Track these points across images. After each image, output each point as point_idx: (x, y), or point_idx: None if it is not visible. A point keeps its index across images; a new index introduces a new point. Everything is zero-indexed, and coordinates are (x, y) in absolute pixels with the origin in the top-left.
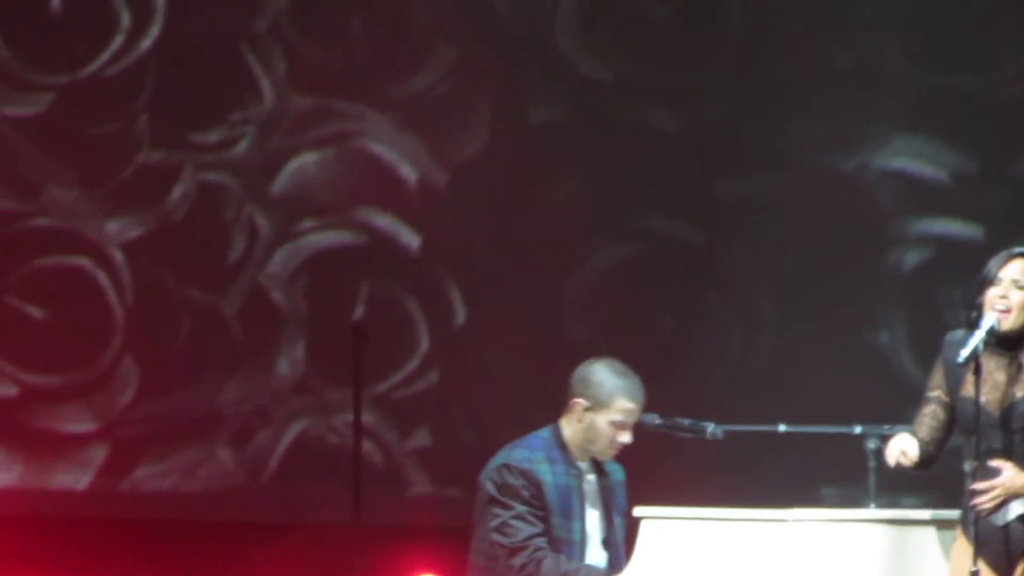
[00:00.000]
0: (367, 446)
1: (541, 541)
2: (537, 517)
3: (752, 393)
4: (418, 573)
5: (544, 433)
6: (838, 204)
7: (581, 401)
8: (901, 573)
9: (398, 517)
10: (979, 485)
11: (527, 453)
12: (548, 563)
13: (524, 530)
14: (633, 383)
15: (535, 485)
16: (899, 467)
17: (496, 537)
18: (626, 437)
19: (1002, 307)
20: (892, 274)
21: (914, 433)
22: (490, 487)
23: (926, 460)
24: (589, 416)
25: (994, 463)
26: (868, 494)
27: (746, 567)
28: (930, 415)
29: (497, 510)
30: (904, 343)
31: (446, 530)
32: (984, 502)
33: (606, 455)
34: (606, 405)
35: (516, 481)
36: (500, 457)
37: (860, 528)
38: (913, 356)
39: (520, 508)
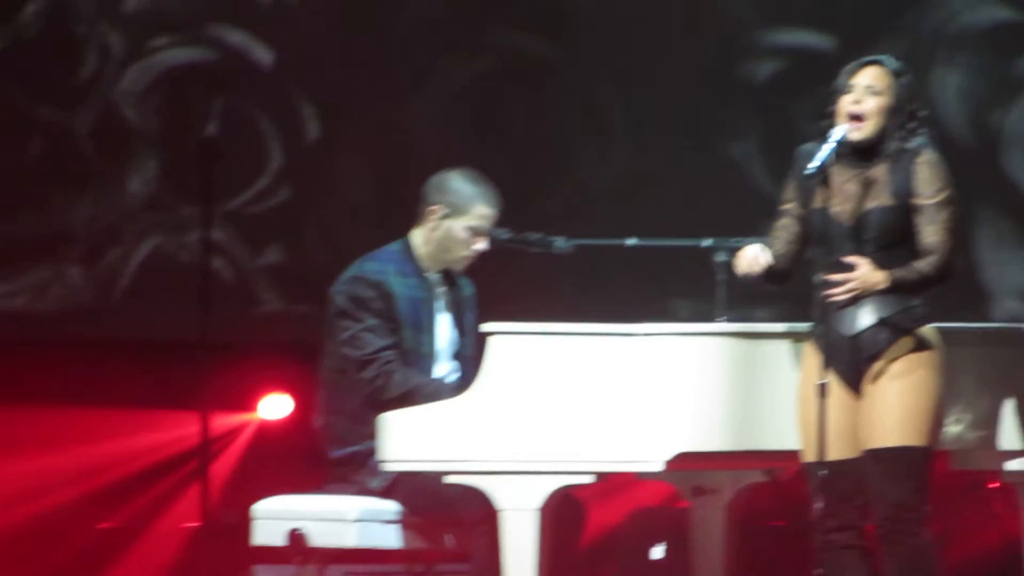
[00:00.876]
0: (218, 263)
1: (391, 354)
2: (388, 329)
3: (605, 207)
4: (268, 390)
5: (395, 246)
6: (689, 15)
7: (438, 208)
8: (752, 385)
9: (248, 334)
10: (834, 277)
11: (379, 265)
12: (398, 376)
13: (375, 342)
14: (489, 190)
15: (386, 297)
16: (749, 277)
17: (346, 350)
18: (482, 244)
19: (856, 112)
20: (745, 86)
21: (768, 246)
22: (341, 300)
23: (780, 273)
24: (446, 223)
25: (849, 259)
26: (718, 307)
27: (595, 382)
28: (783, 228)
29: (347, 323)
30: (757, 155)
31: (297, 347)
32: (838, 294)
33: (461, 263)
34: (464, 211)
35: (367, 293)
36: (352, 270)
37: (710, 341)
38: (766, 168)
39: (371, 321)
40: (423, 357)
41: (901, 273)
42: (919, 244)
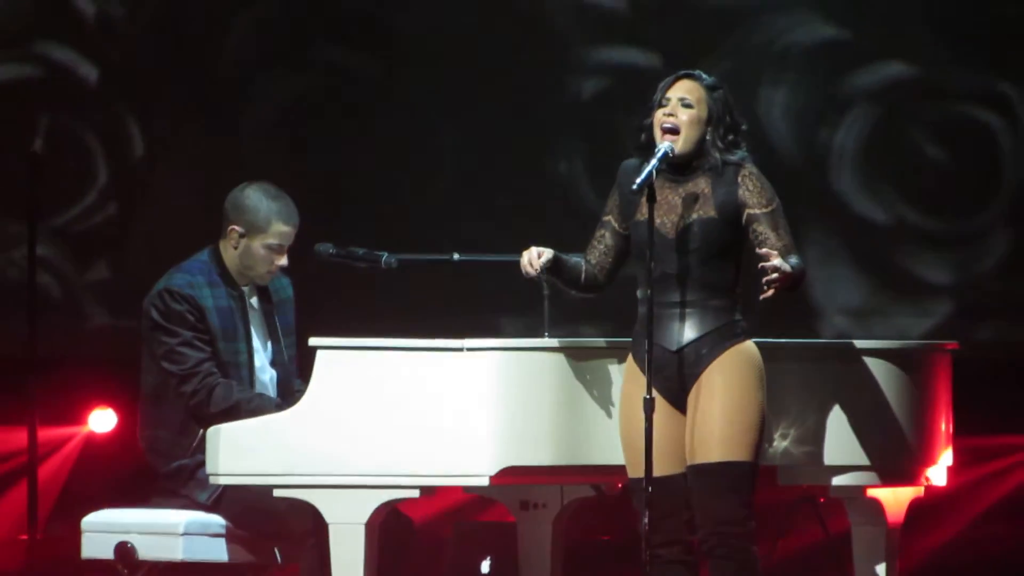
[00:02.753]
0: (45, 278)
1: (210, 366)
2: (203, 342)
3: (430, 222)
4: (96, 404)
5: (203, 256)
6: (517, 33)
7: (236, 228)
8: (577, 400)
9: (76, 349)
10: (773, 263)
11: (188, 278)
12: (219, 390)
13: (193, 356)
14: (287, 205)
15: (198, 310)
16: (531, 277)
17: (165, 365)
18: (283, 260)
19: (669, 125)
20: (571, 103)
21: (585, 258)
22: (154, 313)
23: (591, 284)
24: (245, 242)
25: (763, 251)
26: (544, 323)
27: (422, 396)
28: (599, 239)
29: (164, 337)
30: (582, 172)
31: (123, 362)
32: (775, 281)
33: (264, 280)
34: (262, 230)
35: (180, 307)
36: (161, 283)
37: (534, 356)
38: (591, 185)
39: (186, 334)
40: (239, 367)
41: (793, 264)
42: (769, 247)
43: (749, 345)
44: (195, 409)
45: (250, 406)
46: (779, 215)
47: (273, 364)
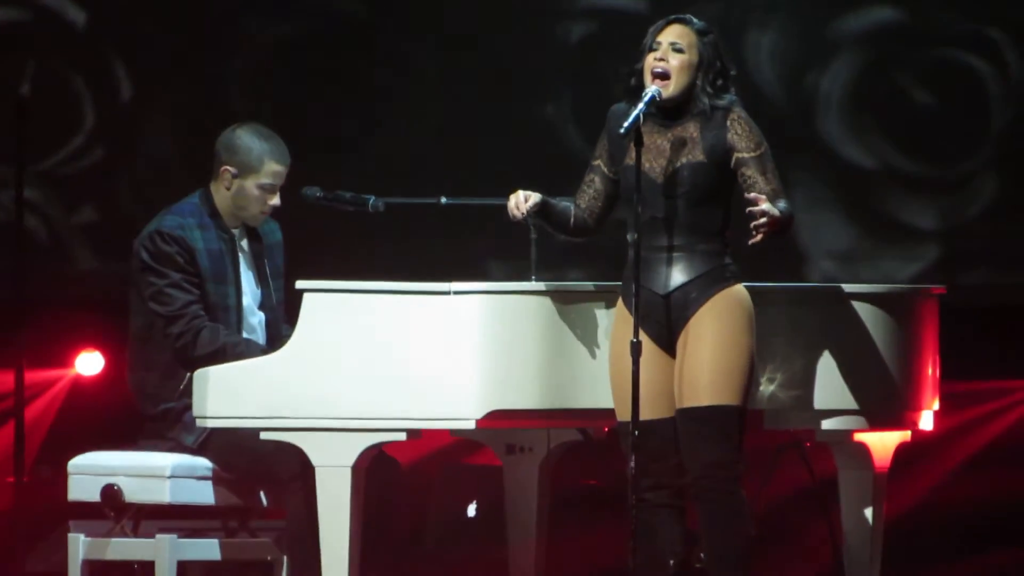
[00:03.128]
0: (32, 222)
1: (197, 308)
2: (192, 284)
3: (419, 165)
4: (84, 347)
5: (194, 199)
6: None
7: (229, 168)
8: (565, 344)
9: (64, 292)
10: (762, 207)
11: (179, 220)
12: (205, 333)
13: (180, 298)
14: (279, 145)
15: (188, 252)
16: (518, 220)
17: (153, 306)
18: (275, 200)
19: (660, 70)
20: (559, 47)
21: (575, 202)
22: (144, 255)
23: (581, 228)
24: (238, 182)
25: (752, 195)
26: (532, 267)
27: (408, 339)
28: (589, 183)
29: (152, 278)
30: (570, 116)
31: (111, 305)
32: (763, 224)
33: (256, 220)
34: (255, 170)
35: (169, 248)
36: (152, 224)
37: (521, 300)
38: (579, 129)
39: (175, 275)
40: (228, 310)
41: (781, 209)
42: (758, 191)
43: (739, 289)
44: (181, 352)
45: (236, 350)
46: (768, 159)
47: (261, 307)
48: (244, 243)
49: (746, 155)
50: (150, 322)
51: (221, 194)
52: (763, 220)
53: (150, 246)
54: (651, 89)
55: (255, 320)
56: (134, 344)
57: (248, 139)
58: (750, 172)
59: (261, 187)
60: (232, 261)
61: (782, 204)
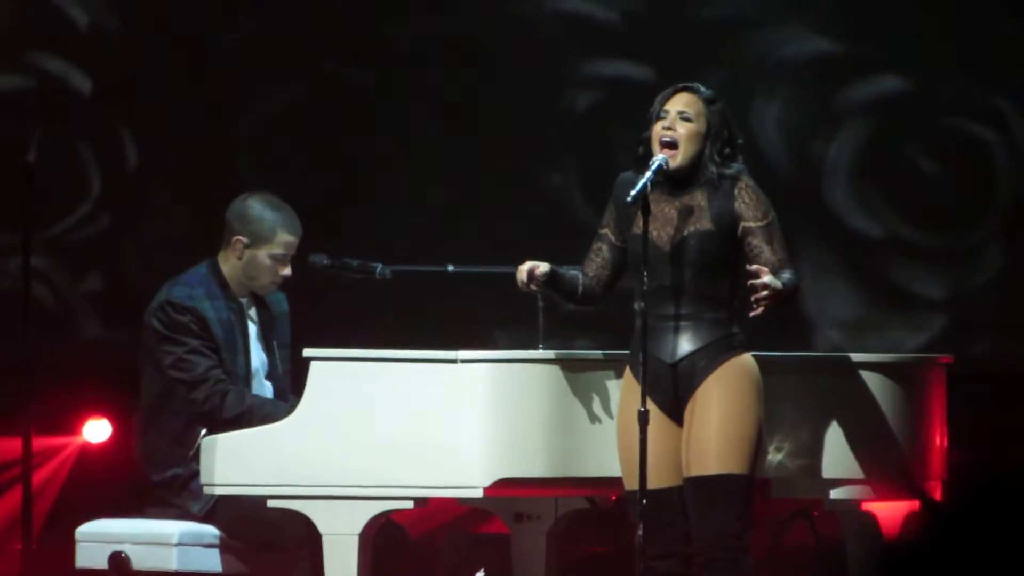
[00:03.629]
0: (39, 290)
1: (219, 372)
2: (210, 349)
3: (425, 234)
4: (90, 415)
5: (201, 269)
6: (511, 46)
7: (241, 238)
8: (572, 412)
9: (70, 360)
10: (763, 280)
11: (188, 290)
12: (232, 396)
13: (202, 363)
14: (291, 215)
15: (201, 320)
16: (528, 289)
17: (174, 374)
18: (287, 270)
19: (668, 139)
20: (565, 116)
21: (582, 271)
22: (157, 325)
23: (588, 297)
24: (250, 252)
25: (754, 267)
26: (539, 335)
27: (416, 407)
28: (596, 252)
29: (169, 347)
30: (576, 185)
31: (118, 372)
32: (763, 297)
33: (267, 290)
34: (267, 240)
35: (183, 317)
36: (161, 296)
37: (528, 368)
38: (586, 198)
39: (193, 342)
40: (239, 379)
41: (784, 280)
42: (763, 261)
43: (747, 358)
44: (208, 415)
45: (263, 411)
46: (775, 229)
47: (269, 377)
48: (252, 312)
49: (753, 224)
50: (166, 390)
51: (231, 263)
52: (764, 293)
53: (163, 316)
54: (659, 158)
55: (264, 390)
56: (146, 412)
57: (260, 209)
58: (756, 241)
59: (273, 257)
60: (242, 331)
61: (786, 275)
